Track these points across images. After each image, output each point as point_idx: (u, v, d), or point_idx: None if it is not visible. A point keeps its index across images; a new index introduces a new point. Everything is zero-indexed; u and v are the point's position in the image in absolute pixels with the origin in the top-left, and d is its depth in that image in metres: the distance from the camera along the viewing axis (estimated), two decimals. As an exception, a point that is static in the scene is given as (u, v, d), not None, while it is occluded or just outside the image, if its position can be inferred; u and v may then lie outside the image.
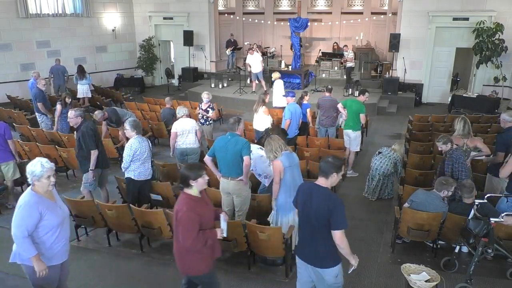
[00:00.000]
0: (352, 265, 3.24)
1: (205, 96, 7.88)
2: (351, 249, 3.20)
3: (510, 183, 4.72)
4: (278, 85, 9.97)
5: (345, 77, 13.73)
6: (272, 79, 10.51)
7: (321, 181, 3.19)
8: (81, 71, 11.63)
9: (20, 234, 3.07)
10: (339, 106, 7.41)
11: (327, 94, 8.00)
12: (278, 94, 9.74)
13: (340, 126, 8.25)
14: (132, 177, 5.16)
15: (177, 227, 3.17)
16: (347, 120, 7.27)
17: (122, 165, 5.19)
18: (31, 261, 3.14)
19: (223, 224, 3.32)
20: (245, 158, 4.68)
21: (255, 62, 12.71)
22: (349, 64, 13.19)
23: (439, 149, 5.13)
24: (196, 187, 3.19)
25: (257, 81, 12.95)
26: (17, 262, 3.24)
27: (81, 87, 11.67)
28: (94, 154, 5.36)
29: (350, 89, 12.49)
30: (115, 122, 7.80)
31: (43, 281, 3.22)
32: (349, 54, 13.19)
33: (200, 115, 8.11)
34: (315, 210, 3.16)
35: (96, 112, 7.64)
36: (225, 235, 3.31)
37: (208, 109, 7.97)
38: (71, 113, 5.41)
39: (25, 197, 3.15)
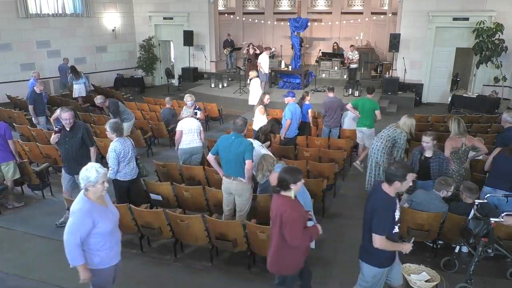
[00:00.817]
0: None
1: (188, 100, 7.63)
2: (396, 246, 3.26)
3: (488, 177, 4.88)
4: (255, 84, 10.41)
5: (345, 77, 13.70)
6: (249, 77, 10.87)
7: (385, 186, 3.22)
8: (75, 72, 11.69)
9: (72, 241, 3.07)
10: (349, 106, 7.59)
11: (330, 94, 8.03)
12: (255, 92, 10.21)
13: (341, 126, 8.32)
14: (118, 178, 5.10)
15: (282, 229, 3.25)
16: (361, 119, 7.45)
17: (110, 172, 4.99)
18: (91, 264, 3.18)
19: (311, 222, 3.46)
20: (247, 162, 4.64)
21: (264, 63, 12.68)
22: (353, 66, 13.12)
23: (425, 143, 5.02)
24: (294, 190, 3.27)
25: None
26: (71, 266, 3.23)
27: (76, 86, 11.75)
28: (95, 150, 5.50)
29: (350, 89, 12.49)
30: (112, 112, 7.84)
31: (102, 282, 3.31)
32: (354, 55, 13.12)
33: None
34: (367, 209, 3.28)
35: (98, 96, 7.89)
36: (320, 230, 3.45)
37: (195, 110, 7.63)
38: (69, 114, 5.21)
39: (78, 204, 3.14)
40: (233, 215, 5.04)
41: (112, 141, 5.04)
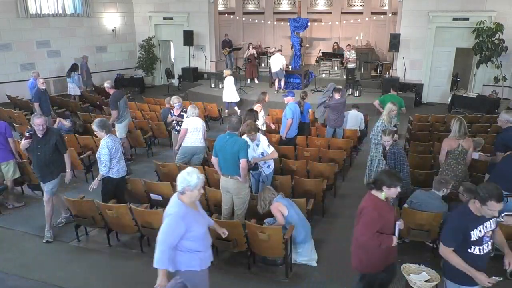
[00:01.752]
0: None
1: (175, 102, 7.41)
2: (463, 266, 2.99)
3: (489, 178, 4.93)
4: (229, 82, 11.11)
5: (345, 77, 13.68)
6: (224, 75, 11.43)
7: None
8: (70, 69, 11.94)
9: (165, 241, 3.09)
10: (376, 103, 8.07)
11: (337, 96, 8.00)
12: (229, 89, 11.10)
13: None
14: (111, 176, 5.15)
15: (357, 223, 3.36)
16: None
17: (103, 168, 5.06)
18: (191, 266, 3.18)
19: (396, 231, 3.36)
20: (242, 161, 4.68)
21: (275, 62, 12.86)
22: (350, 65, 13.02)
23: (386, 142, 5.22)
24: (386, 193, 3.29)
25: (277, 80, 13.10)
26: (169, 269, 3.18)
27: (70, 85, 12.06)
28: (69, 156, 5.36)
29: (351, 89, 12.49)
30: (110, 100, 7.83)
31: (201, 286, 3.32)
32: (351, 55, 13.04)
33: (174, 122, 7.47)
34: None
35: (108, 80, 8.15)
36: (394, 243, 3.34)
37: (181, 113, 7.37)
38: (42, 120, 4.98)
39: (174, 207, 3.16)
40: (232, 214, 5.06)
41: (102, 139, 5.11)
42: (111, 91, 7.82)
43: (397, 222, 3.37)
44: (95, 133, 5.21)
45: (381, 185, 3.28)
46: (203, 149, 6.72)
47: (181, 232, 3.07)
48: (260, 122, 7.15)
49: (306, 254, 4.63)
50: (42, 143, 5.06)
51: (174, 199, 3.22)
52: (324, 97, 8.14)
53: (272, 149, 5.41)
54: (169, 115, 7.58)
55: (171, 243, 3.07)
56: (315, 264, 4.63)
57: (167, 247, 3.06)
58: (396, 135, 5.37)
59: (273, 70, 12.93)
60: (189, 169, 3.18)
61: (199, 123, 6.57)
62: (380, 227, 3.26)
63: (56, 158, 5.15)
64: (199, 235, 3.18)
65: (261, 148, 5.35)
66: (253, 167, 5.23)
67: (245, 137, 5.26)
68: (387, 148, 5.25)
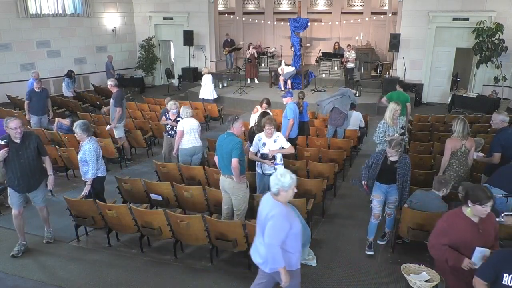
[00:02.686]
0: None
1: (172, 107, 7.13)
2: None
3: (489, 178, 4.88)
4: (207, 79, 11.63)
5: (344, 77, 13.66)
6: (202, 73, 11.88)
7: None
8: (65, 75, 12.22)
9: (276, 243, 3.14)
10: (384, 100, 7.97)
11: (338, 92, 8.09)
12: (206, 87, 11.67)
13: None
14: (100, 175, 5.23)
15: None
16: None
17: (90, 171, 5.03)
18: (291, 265, 3.25)
19: (475, 257, 3.08)
20: (233, 160, 4.69)
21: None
22: (349, 65, 12.99)
23: (388, 154, 4.61)
24: (471, 211, 3.14)
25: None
26: (266, 271, 3.30)
27: (63, 87, 12.32)
28: (49, 158, 5.05)
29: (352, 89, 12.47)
30: (113, 98, 7.84)
31: (298, 284, 3.40)
32: (351, 55, 13.01)
33: (169, 126, 7.20)
34: None
35: (111, 79, 8.21)
36: (464, 265, 3.11)
37: (178, 118, 7.02)
38: (17, 122, 4.52)
39: (275, 208, 3.20)
40: (232, 214, 5.06)
41: (83, 142, 5.06)
42: (114, 89, 7.84)
43: (478, 248, 3.07)
44: (76, 135, 5.03)
45: (466, 199, 3.12)
46: (201, 149, 6.73)
47: (287, 231, 3.15)
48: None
49: (305, 256, 4.63)
50: (23, 149, 4.60)
51: (270, 201, 3.25)
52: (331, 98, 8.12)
53: (289, 144, 5.48)
54: (163, 117, 7.35)
55: (281, 242, 3.14)
56: (315, 264, 4.63)
57: (278, 248, 3.14)
58: (405, 136, 5.21)
59: (285, 72, 13.10)
60: (282, 170, 3.24)
61: (194, 123, 6.58)
62: (449, 242, 3.14)
63: (40, 163, 4.84)
64: (297, 232, 3.26)
65: (279, 144, 5.33)
66: (270, 158, 5.26)
67: (261, 134, 5.39)
68: (392, 159, 4.65)
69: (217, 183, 5.17)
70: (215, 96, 11.97)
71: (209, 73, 11.85)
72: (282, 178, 3.15)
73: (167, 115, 7.27)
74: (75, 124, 5.12)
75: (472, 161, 5.30)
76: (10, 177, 4.70)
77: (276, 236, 3.13)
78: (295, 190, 3.25)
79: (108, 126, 8.14)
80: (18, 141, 4.56)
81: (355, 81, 13.16)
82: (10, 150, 4.53)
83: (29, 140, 4.66)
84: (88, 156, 5.01)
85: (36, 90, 8.57)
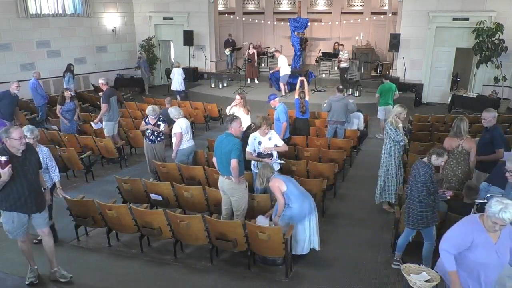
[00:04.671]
0: None
1: (151, 113, 6.71)
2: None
3: (489, 176, 4.89)
4: (175, 72, 12.78)
5: (339, 77, 13.62)
6: (174, 66, 12.67)
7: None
8: (65, 70, 11.99)
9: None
10: (377, 96, 9.40)
11: (338, 93, 8.11)
12: (175, 79, 12.80)
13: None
14: (57, 180, 4.97)
15: None
16: (385, 99, 9.31)
17: (56, 172, 4.90)
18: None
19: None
20: (233, 161, 4.70)
21: (284, 64, 12.29)
22: (343, 65, 13.03)
23: (439, 163, 4.33)
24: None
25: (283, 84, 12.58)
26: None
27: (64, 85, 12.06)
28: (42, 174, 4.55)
29: (351, 89, 12.49)
30: (103, 96, 8.14)
31: None
32: (344, 55, 13.08)
33: (149, 131, 6.82)
34: None
35: (103, 77, 8.37)
36: None
37: (158, 122, 6.78)
38: (19, 131, 3.84)
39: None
40: (232, 214, 5.06)
41: (33, 147, 4.34)
42: (105, 87, 8.06)
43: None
44: (26, 138, 4.11)
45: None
46: (195, 147, 6.85)
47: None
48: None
49: (314, 232, 4.64)
50: (27, 163, 3.95)
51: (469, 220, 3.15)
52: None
53: (283, 142, 5.77)
54: (143, 122, 6.96)
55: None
56: (318, 248, 4.69)
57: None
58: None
59: (282, 73, 12.34)
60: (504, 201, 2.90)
61: (188, 122, 6.67)
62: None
63: (38, 180, 4.19)
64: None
65: (274, 141, 5.64)
66: (265, 155, 5.48)
67: (256, 133, 5.61)
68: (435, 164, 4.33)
69: (217, 183, 5.17)
70: (183, 88, 13.00)
71: (178, 67, 12.98)
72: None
73: (146, 120, 6.88)
74: (27, 129, 4.66)
75: (475, 163, 5.28)
76: (13, 198, 3.90)
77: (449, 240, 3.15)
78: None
79: (92, 123, 8.23)
80: (19, 154, 3.88)
81: (355, 81, 13.16)
82: (13, 166, 3.79)
83: (29, 152, 4.00)
84: (49, 158, 4.85)
85: (13, 92, 8.16)
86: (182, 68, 15.21)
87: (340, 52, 13.21)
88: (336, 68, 14.39)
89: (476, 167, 5.52)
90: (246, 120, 6.92)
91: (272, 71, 13.09)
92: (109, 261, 4.85)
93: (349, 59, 13.27)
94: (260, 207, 5.12)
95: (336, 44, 16.14)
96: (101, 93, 8.42)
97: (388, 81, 9.50)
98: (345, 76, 13.15)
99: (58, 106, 8.23)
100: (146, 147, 6.96)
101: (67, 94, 8.23)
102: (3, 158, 3.68)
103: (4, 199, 3.92)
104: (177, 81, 12.81)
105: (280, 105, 7.25)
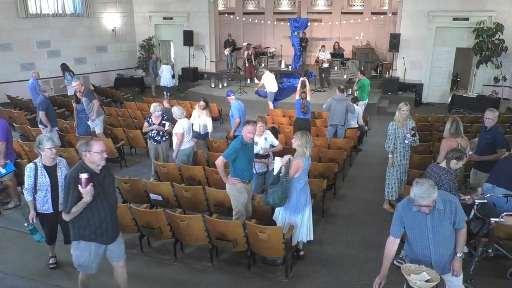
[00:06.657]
0: None
1: (157, 109, 6.66)
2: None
3: (490, 176, 4.88)
4: (163, 69, 13.59)
5: (319, 76, 13.60)
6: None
7: None
8: (62, 70, 11.87)
9: None
10: (355, 87, 10.24)
11: (339, 93, 8.08)
12: (164, 76, 13.58)
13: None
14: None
15: None
16: (364, 93, 10.08)
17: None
18: None
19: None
20: (218, 158, 4.81)
21: (269, 81, 11.23)
22: (325, 65, 13.19)
23: (458, 167, 4.19)
24: None
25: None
26: None
27: (67, 86, 11.96)
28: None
29: (350, 89, 12.48)
30: (87, 93, 8.07)
31: None
32: (325, 56, 13.23)
33: (154, 131, 6.73)
34: None
35: (76, 81, 8.34)
36: None
37: (163, 122, 6.74)
38: (102, 145, 3.37)
39: None
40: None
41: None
42: (82, 88, 8.11)
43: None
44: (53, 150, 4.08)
45: None
46: (194, 147, 6.88)
47: None
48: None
49: (304, 225, 4.55)
50: (106, 181, 3.44)
51: None
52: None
53: (278, 141, 5.89)
54: (146, 123, 6.84)
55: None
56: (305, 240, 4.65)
57: None
58: (416, 137, 5.40)
59: (268, 90, 11.19)
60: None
61: (189, 123, 6.71)
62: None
63: None
64: None
65: (269, 141, 5.74)
66: (264, 156, 5.55)
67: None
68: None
69: (217, 183, 5.17)
70: (171, 84, 13.75)
71: (167, 64, 13.87)
72: None
73: (150, 120, 6.77)
74: (46, 138, 4.20)
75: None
76: (93, 225, 3.34)
77: None
78: None
79: (89, 121, 8.20)
80: (98, 171, 3.36)
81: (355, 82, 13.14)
82: (94, 186, 3.24)
83: (105, 169, 3.47)
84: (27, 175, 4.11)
85: (49, 95, 8.16)
86: (182, 68, 15.33)
87: (321, 53, 13.30)
88: (336, 68, 14.39)
89: (476, 167, 5.53)
90: (208, 122, 7.56)
91: (256, 88, 12.47)
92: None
93: (328, 60, 13.42)
94: (260, 207, 5.11)
95: (336, 44, 16.13)
96: (79, 94, 8.09)
97: (364, 76, 10.33)
98: (323, 75, 13.35)
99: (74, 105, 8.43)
100: (150, 148, 6.92)
101: (78, 87, 8.07)
102: (84, 175, 3.17)
103: (83, 226, 3.33)
104: (166, 78, 13.54)
105: (235, 102, 7.55)
